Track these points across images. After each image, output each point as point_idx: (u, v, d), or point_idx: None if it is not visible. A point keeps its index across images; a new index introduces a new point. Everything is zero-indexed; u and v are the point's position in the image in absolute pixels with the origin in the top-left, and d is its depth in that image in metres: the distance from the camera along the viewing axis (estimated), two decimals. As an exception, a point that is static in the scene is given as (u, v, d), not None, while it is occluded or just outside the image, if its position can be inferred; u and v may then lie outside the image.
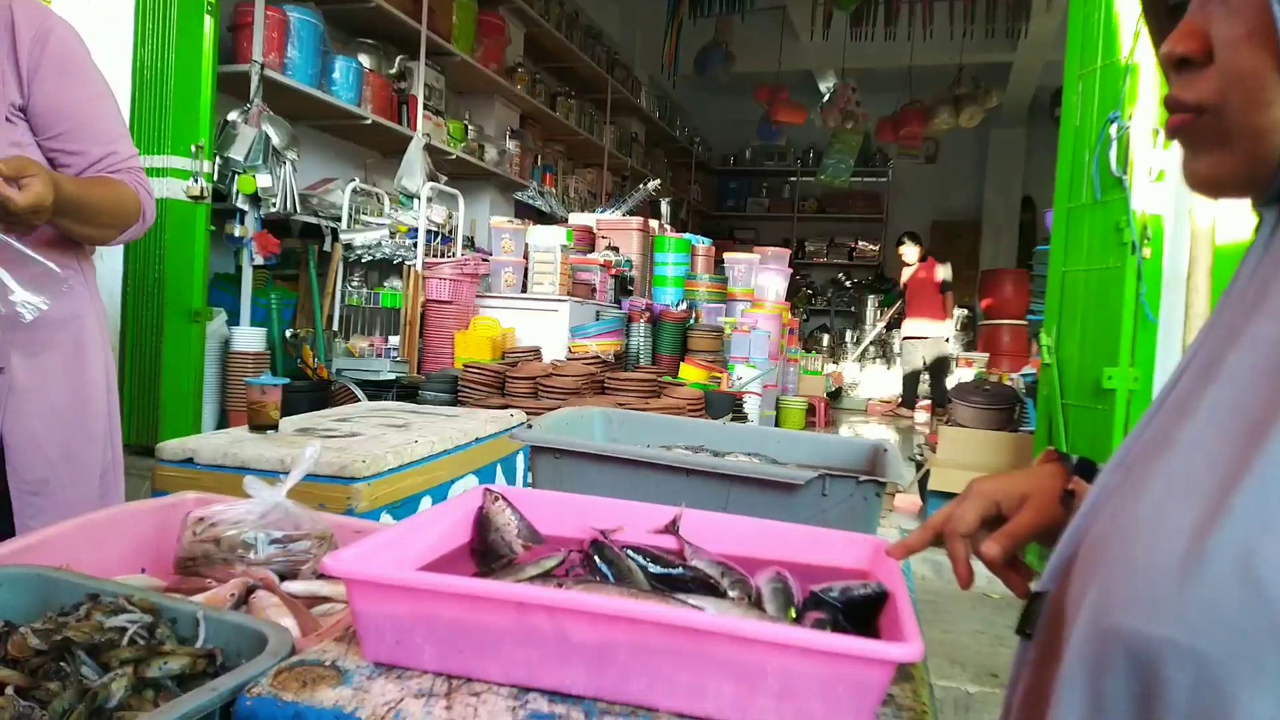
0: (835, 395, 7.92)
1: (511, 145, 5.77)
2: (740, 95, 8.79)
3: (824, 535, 0.80)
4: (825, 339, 9.16)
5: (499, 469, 1.82)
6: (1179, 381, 0.48)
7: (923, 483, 3.69)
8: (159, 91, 3.28)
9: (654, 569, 0.71)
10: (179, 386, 3.26)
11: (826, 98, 8.40)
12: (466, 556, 0.77)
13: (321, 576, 0.84)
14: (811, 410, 6.23)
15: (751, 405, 4.70)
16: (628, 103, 7.65)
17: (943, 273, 7.22)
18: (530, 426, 1.00)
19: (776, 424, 5.67)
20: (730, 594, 0.67)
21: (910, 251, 7.32)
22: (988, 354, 7.03)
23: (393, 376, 3.66)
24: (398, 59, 4.55)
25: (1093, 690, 0.43)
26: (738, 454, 1.05)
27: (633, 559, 0.72)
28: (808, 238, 10.75)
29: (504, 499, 0.81)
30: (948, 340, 7.37)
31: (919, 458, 4.16)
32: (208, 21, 3.24)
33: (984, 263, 9.38)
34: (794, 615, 0.66)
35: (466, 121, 5.16)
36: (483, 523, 0.79)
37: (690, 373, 4.34)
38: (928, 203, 10.05)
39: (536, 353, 3.96)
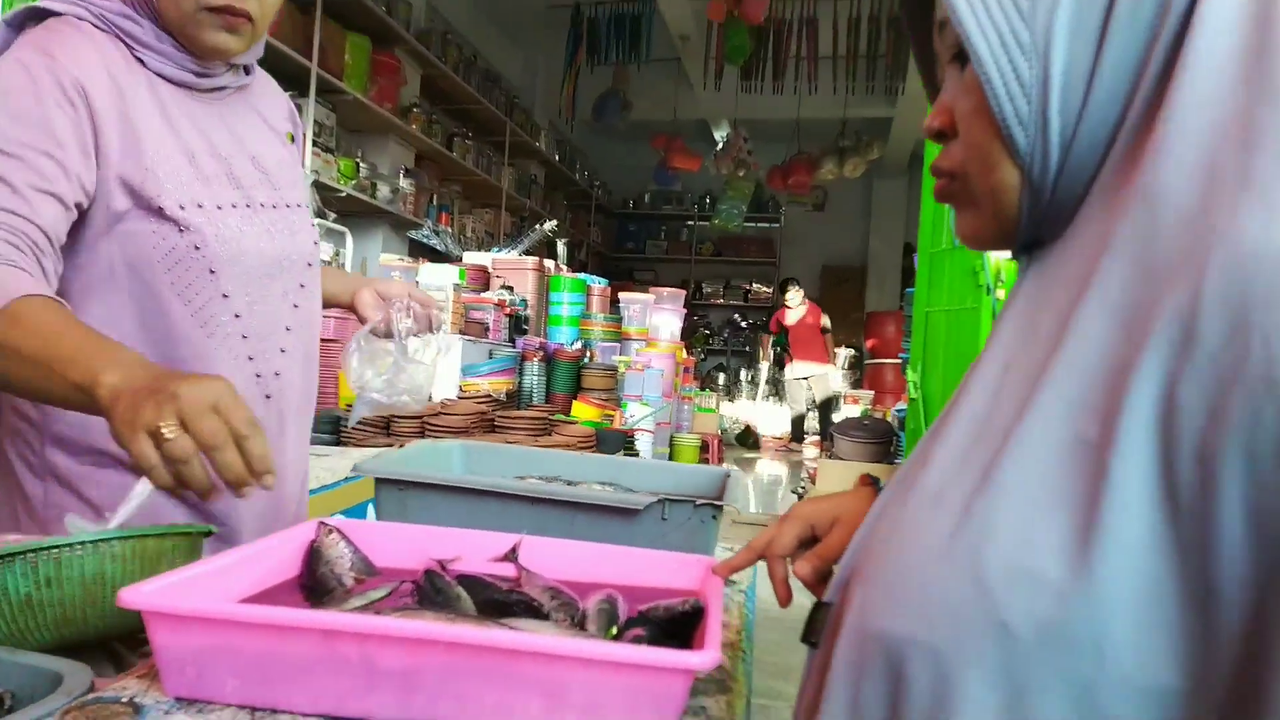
0: (744, 437, 8.10)
1: (405, 184, 5.72)
2: (638, 141, 9.00)
3: (659, 557, 0.82)
4: (721, 378, 9.35)
5: (371, 509, 1.77)
6: (951, 407, 0.52)
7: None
8: None
9: (482, 596, 0.71)
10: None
11: (720, 146, 8.70)
12: (293, 590, 0.75)
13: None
14: (705, 447, 6.32)
15: (644, 443, 4.73)
16: (527, 145, 7.72)
17: (824, 320, 7.65)
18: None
19: (670, 460, 5.72)
20: (554, 616, 0.68)
21: (795, 296, 7.66)
22: (873, 391, 7.33)
23: (271, 417, 3.51)
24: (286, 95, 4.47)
25: (853, 693, 0.45)
26: (592, 483, 1.07)
27: (462, 587, 0.72)
28: (705, 279, 11.01)
29: (339, 531, 0.80)
30: (831, 380, 7.71)
31: (801, 490, 4.28)
32: None
33: (869, 305, 9.82)
34: (614, 633, 0.67)
35: (359, 159, 5.09)
36: (314, 556, 0.77)
37: (583, 410, 4.35)
38: (817, 248, 10.48)
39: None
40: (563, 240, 6.55)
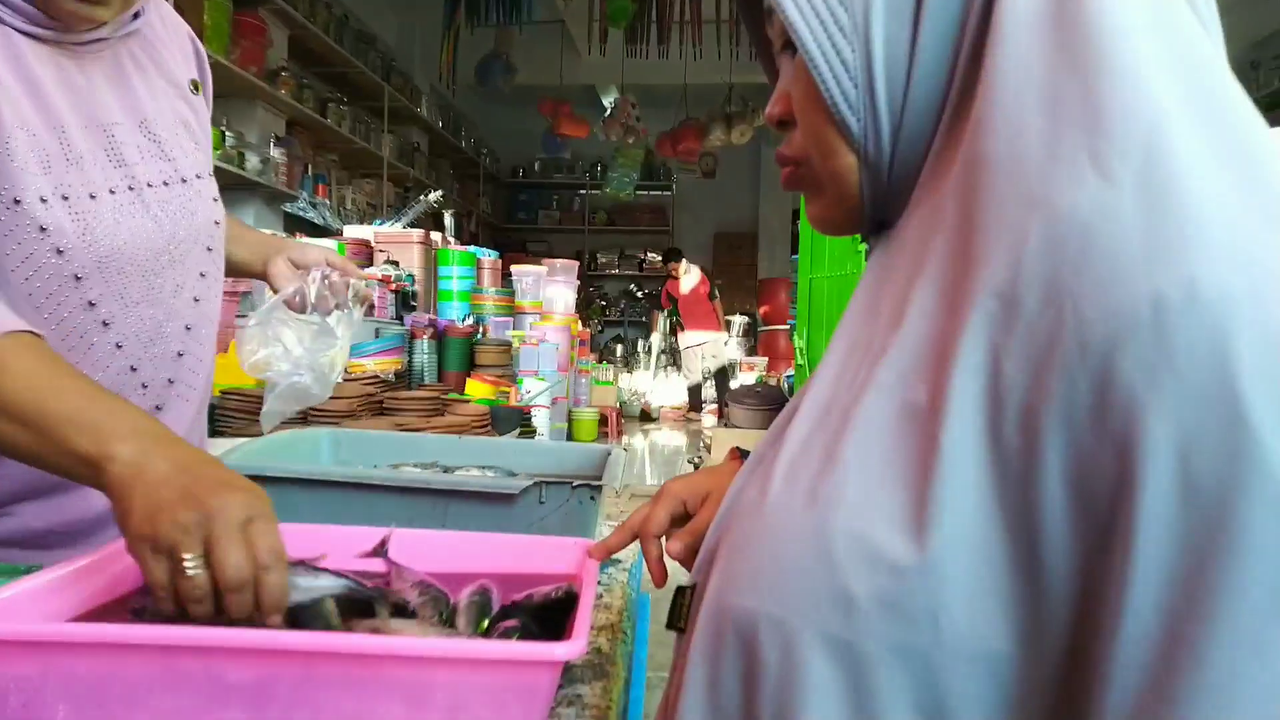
0: (645, 414, 8.16)
1: (277, 153, 5.42)
2: (525, 106, 8.82)
3: (535, 543, 0.81)
4: (619, 349, 9.38)
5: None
6: (805, 387, 0.53)
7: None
8: None
9: (343, 598, 0.68)
10: None
11: (608, 112, 8.62)
12: (131, 604, 0.70)
13: None
14: (604, 421, 6.34)
15: (541, 418, 4.70)
16: (407, 111, 7.43)
17: (695, 279, 7.79)
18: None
19: (569, 436, 5.71)
20: (421, 613, 0.66)
21: (686, 267, 7.76)
22: (767, 358, 7.51)
23: (137, 406, 3.29)
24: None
25: (711, 671, 0.46)
26: (470, 468, 1.04)
27: (324, 587, 0.69)
28: (599, 249, 10.95)
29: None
30: (725, 344, 7.85)
31: (697, 460, 4.35)
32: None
33: (761, 272, 10.02)
34: (485, 627, 0.66)
35: (224, 128, 4.79)
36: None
37: (477, 388, 4.27)
38: (709, 215, 10.58)
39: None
40: (450, 211, 6.37)
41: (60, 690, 0.54)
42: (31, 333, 0.71)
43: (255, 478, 0.87)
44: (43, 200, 0.79)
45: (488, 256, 5.25)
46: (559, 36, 7.77)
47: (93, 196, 0.83)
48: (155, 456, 0.62)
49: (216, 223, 0.97)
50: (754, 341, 8.79)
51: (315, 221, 5.74)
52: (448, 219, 6.08)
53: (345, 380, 3.74)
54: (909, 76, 0.46)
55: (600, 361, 7.60)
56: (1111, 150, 0.39)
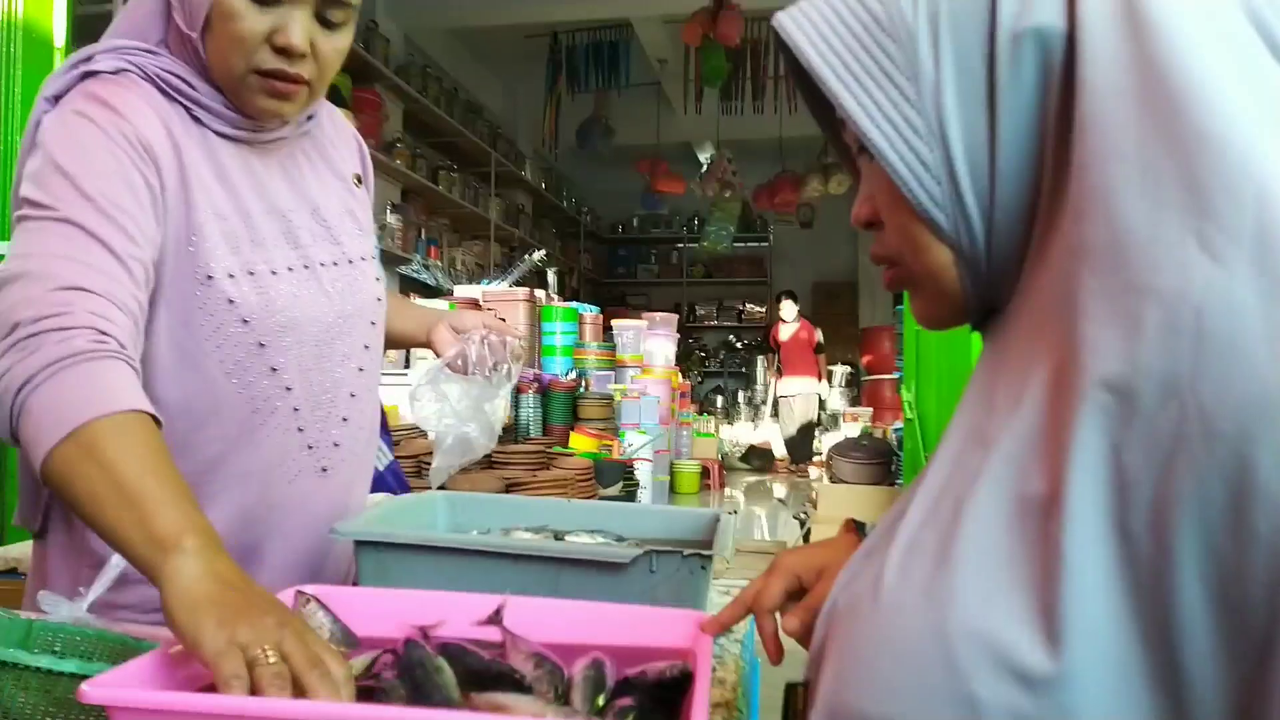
0: (747, 458, 7.99)
1: (393, 220, 5.73)
2: (623, 166, 9.05)
3: (647, 614, 0.80)
4: (719, 400, 9.33)
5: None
6: (920, 477, 0.51)
7: (806, 540, 3.77)
8: (3, 174, 3.11)
9: (464, 666, 0.68)
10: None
11: (704, 168, 8.74)
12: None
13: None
14: (706, 473, 6.29)
15: (644, 471, 4.71)
16: (513, 175, 7.76)
17: (818, 336, 7.61)
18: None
19: (670, 488, 5.69)
20: (537, 688, 0.66)
21: (789, 310, 7.64)
22: (871, 408, 7.31)
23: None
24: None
25: None
26: (580, 533, 1.05)
27: (444, 657, 0.70)
28: (697, 301, 11.02)
29: (315, 600, 0.78)
30: (820, 398, 7.66)
31: (803, 515, 4.25)
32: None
33: (863, 320, 9.83)
34: (600, 704, 0.65)
35: (344, 198, 5.10)
36: (289, 629, 0.74)
37: (580, 442, 4.33)
38: (808, 265, 10.50)
39: (421, 430, 3.87)
40: (553, 269, 6.56)
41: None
42: (146, 413, 0.73)
43: (377, 544, 0.90)
44: (230, 276, 0.89)
45: (589, 312, 5.36)
46: (655, 97, 7.98)
47: (274, 273, 0.92)
48: (200, 567, 0.64)
49: (378, 299, 1.05)
50: (857, 392, 8.58)
51: (428, 283, 6.01)
52: (551, 276, 6.26)
53: (454, 436, 3.86)
54: (993, 168, 0.45)
55: (700, 413, 7.58)
56: (1219, 232, 0.37)
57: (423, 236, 6.27)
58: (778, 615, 0.70)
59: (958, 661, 0.39)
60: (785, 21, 0.51)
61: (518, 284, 5.58)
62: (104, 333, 0.75)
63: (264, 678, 0.58)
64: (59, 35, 3.28)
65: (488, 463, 3.54)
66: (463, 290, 5.26)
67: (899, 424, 4.12)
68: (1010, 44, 0.44)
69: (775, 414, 8.54)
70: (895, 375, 7.37)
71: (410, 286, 5.89)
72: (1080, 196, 0.41)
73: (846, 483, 3.82)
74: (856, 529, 0.70)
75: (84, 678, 0.61)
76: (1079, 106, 0.42)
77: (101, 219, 0.81)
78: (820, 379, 7.67)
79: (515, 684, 0.67)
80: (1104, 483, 0.37)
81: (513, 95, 8.35)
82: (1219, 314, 0.36)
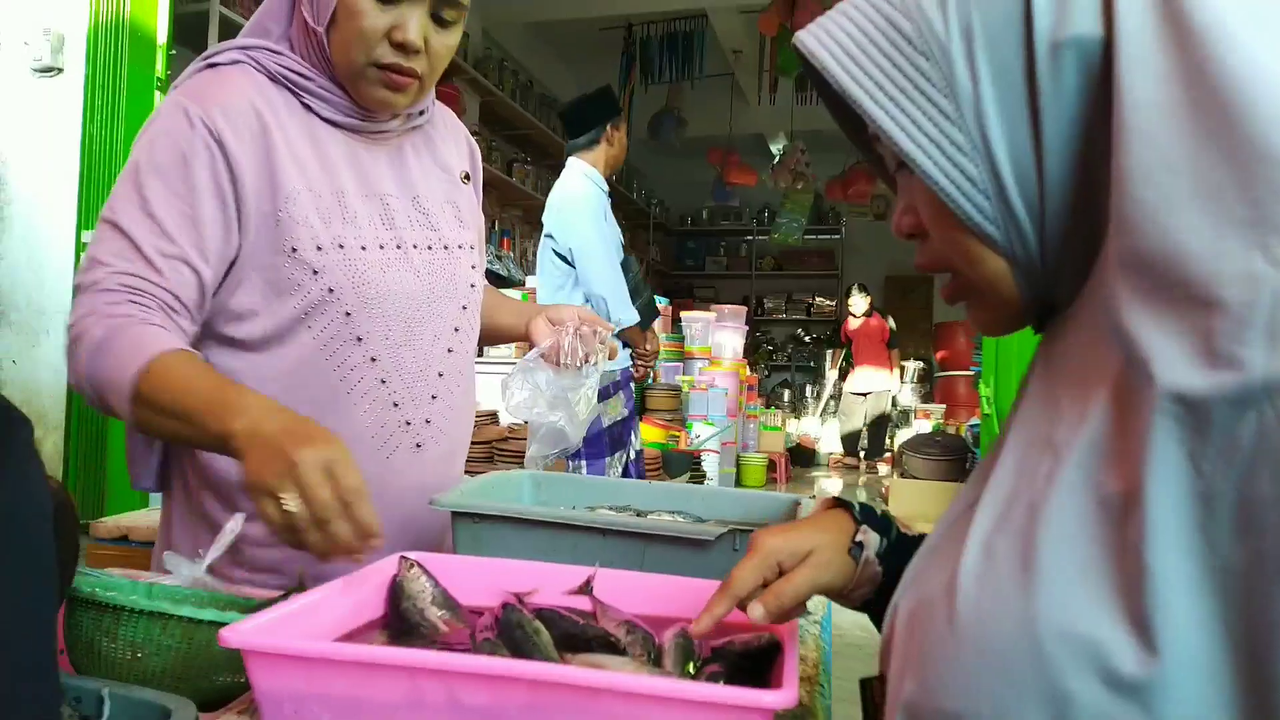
0: (797, 454, 7.88)
1: (468, 211, 5.85)
2: (694, 158, 9.03)
3: (732, 590, 0.82)
4: (786, 394, 9.26)
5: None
6: (991, 461, 0.51)
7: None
8: (108, 167, 3.30)
9: (560, 630, 0.72)
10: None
11: (777, 159, 8.66)
12: (379, 630, 0.77)
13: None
14: (772, 466, 6.26)
15: (710, 463, 4.73)
16: (584, 168, 7.82)
17: (890, 324, 7.42)
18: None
19: (737, 481, 5.68)
20: (630, 651, 0.69)
21: (859, 302, 7.51)
22: (944, 405, 7.16)
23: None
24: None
25: None
26: (661, 513, 1.08)
27: (541, 622, 0.74)
28: (766, 294, 10.94)
29: (419, 566, 0.83)
30: (892, 394, 7.48)
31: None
32: (158, 97, 3.29)
33: (937, 316, 9.61)
34: (692, 670, 0.67)
35: (422, 189, 5.23)
36: (395, 591, 0.79)
37: (649, 432, 4.37)
38: (880, 258, 10.31)
39: (493, 417, 3.96)
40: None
41: (323, 702, 0.60)
42: (184, 349, 0.87)
43: (473, 515, 0.95)
44: (319, 248, 0.96)
45: (657, 303, 5.40)
46: (729, 88, 7.94)
47: (363, 248, 0.99)
48: (261, 428, 0.76)
49: (472, 285, 1.11)
50: (929, 388, 8.41)
51: (500, 273, 6.13)
52: (619, 268, 6.32)
53: (526, 423, 3.94)
54: (1041, 179, 0.45)
55: (768, 406, 7.54)
56: None
57: (496, 228, 6.40)
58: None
59: (1049, 660, 0.40)
60: (808, 40, 0.51)
61: (588, 274, 5.65)
62: (128, 315, 0.88)
63: (288, 523, 0.72)
64: (162, 33, 3.46)
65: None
66: (533, 281, 5.34)
67: (975, 420, 4.04)
68: (1049, 55, 0.43)
69: (835, 410, 8.38)
70: (971, 371, 7.21)
71: (485, 276, 6.01)
72: (1128, 208, 0.41)
73: (918, 479, 3.77)
74: (842, 505, 0.69)
75: (221, 625, 0.67)
76: (1119, 116, 0.41)
77: (148, 226, 0.91)
78: (893, 372, 7.51)
79: (610, 647, 0.70)
80: (1184, 492, 0.38)
81: (586, 87, 8.42)
82: None
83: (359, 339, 0.98)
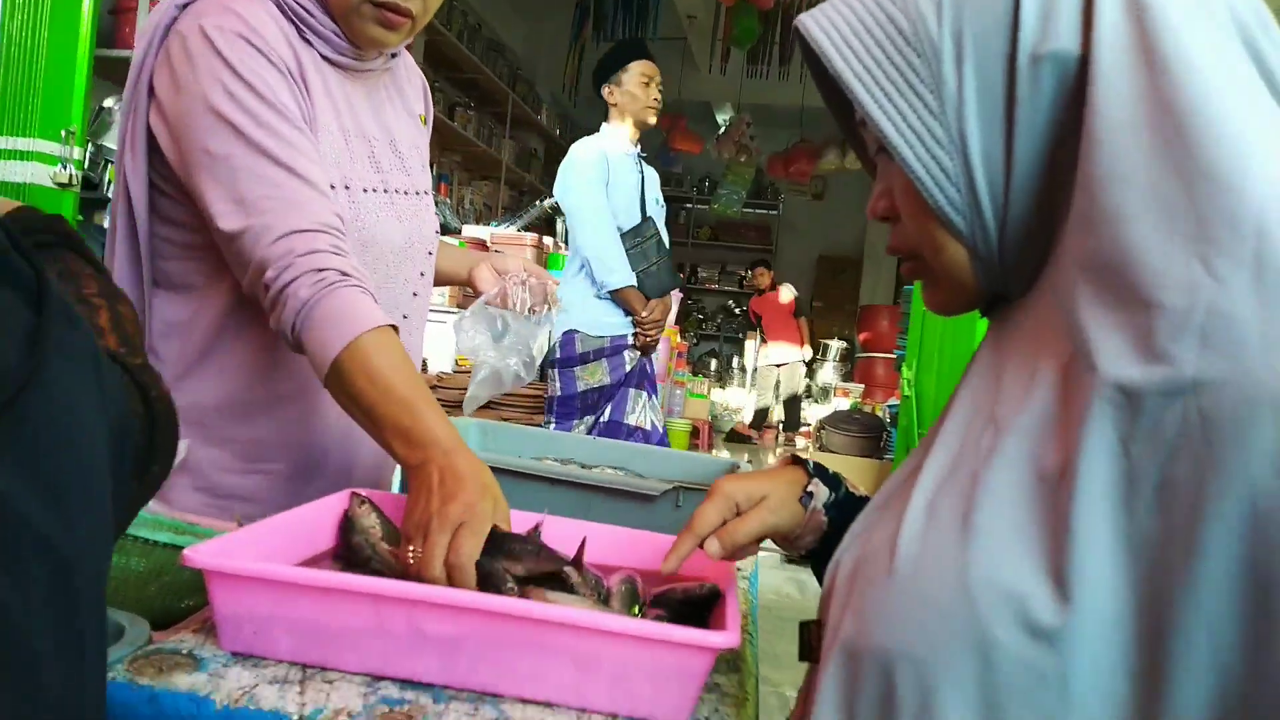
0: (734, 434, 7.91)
1: (407, 153, 5.69)
2: (641, 120, 8.95)
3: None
4: (714, 363, 9.40)
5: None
6: (935, 432, 0.57)
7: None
8: (28, 71, 3.09)
9: (508, 555, 0.75)
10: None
11: (722, 129, 8.68)
12: (329, 561, 0.79)
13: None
14: (696, 433, 6.38)
15: (636, 424, 4.79)
16: (528, 118, 7.68)
17: (787, 294, 7.51)
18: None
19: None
20: (580, 591, 0.73)
21: (764, 276, 7.62)
22: (863, 385, 7.39)
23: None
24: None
25: (845, 706, 0.50)
26: (605, 467, 1.11)
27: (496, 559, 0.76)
28: (701, 264, 11.01)
29: (370, 502, 0.84)
30: (803, 362, 7.60)
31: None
32: (86, 2, 3.09)
33: (864, 298, 9.86)
34: (637, 612, 0.72)
35: (362, 125, 5.06)
36: (346, 526, 0.81)
37: (577, 390, 4.39)
38: (815, 237, 10.49)
39: (422, 365, 3.92)
40: (562, 217, 6.56)
41: (285, 624, 0.62)
42: (390, 326, 0.84)
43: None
44: (332, 187, 0.94)
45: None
46: (680, 53, 7.88)
47: (364, 190, 0.98)
48: (430, 464, 0.76)
49: (435, 232, 1.12)
50: (850, 367, 8.66)
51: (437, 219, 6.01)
52: (560, 224, 6.26)
53: (456, 372, 3.91)
54: (1008, 178, 0.50)
55: (695, 374, 7.64)
56: (1222, 258, 0.42)
57: (435, 172, 6.25)
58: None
59: (978, 607, 0.45)
60: (809, 24, 0.54)
61: (526, 229, 5.58)
62: (321, 269, 0.84)
63: (405, 564, 0.73)
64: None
65: (488, 403, 3.59)
66: (471, 230, 5.25)
67: (894, 401, 4.21)
68: (1030, 66, 0.48)
69: (752, 382, 8.51)
70: (893, 354, 7.45)
71: (419, 221, 5.88)
72: (1088, 212, 0.46)
73: (836, 453, 3.91)
74: (799, 462, 0.74)
75: (178, 548, 0.67)
76: (1088, 128, 0.46)
77: (292, 152, 0.87)
78: (803, 345, 7.64)
79: (564, 585, 0.74)
80: (1113, 469, 0.43)
81: (536, 37, 8.24)
82: (1220, 327, 0.41)
83: None
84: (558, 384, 2.86)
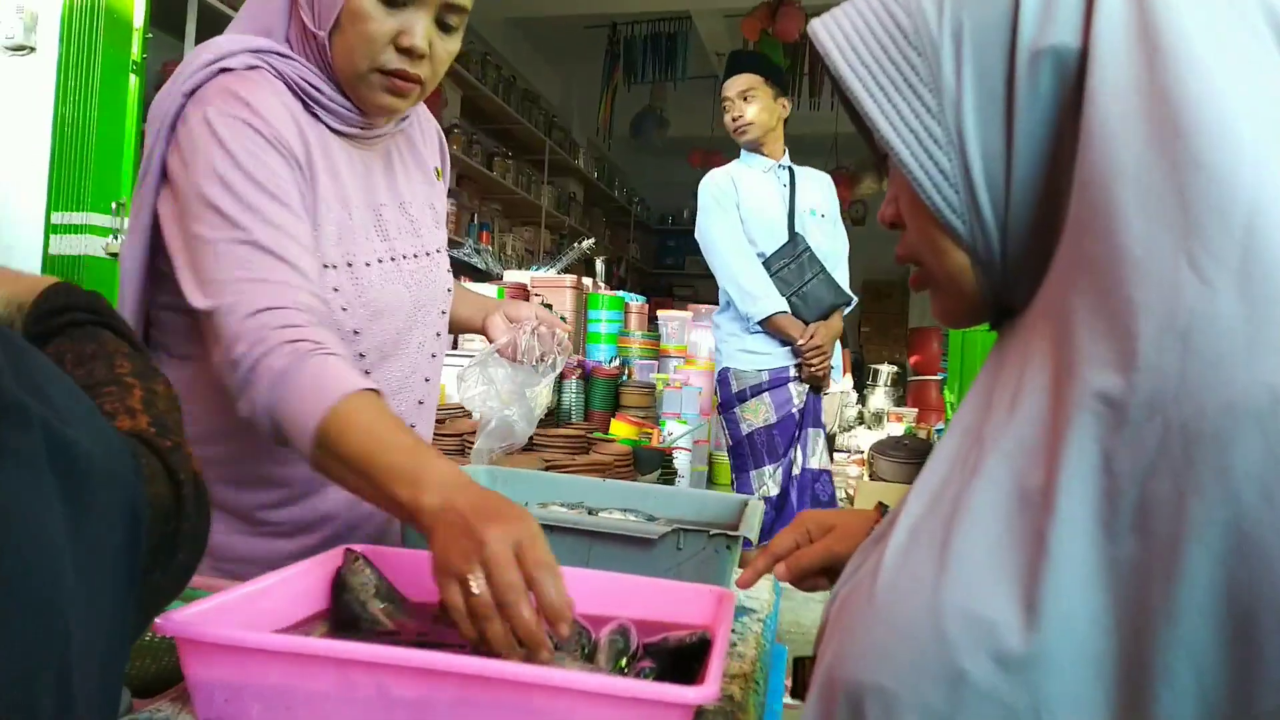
0: None
1: (448, 204, 5.83)
2: (676, 157, 9.03)
3: (672, 588, 0.84)
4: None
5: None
6: (923, 469, 0.54)
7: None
8: (80, 149, 3.26)
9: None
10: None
11: (758, 162, 8.68)
12: (320, 622, 0.78)
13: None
14: (744, 466, 6.30)
15: (682, 460, 4.73)
16: (566, 163, 7.81)
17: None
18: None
19: (709, 478, 5.71)
20: (565, 647, 0.70)
21: None
22: (916, 409, 7.22)
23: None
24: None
25: None
26: (613, 510, 1.09)
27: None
28: (744, 295, 10.96)
29: (364, 558, 0.83)
30: (844, 394, 7.49)
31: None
32: (133, 80, 3.25)
33: (912, 320, 9.70)
34: (623, 665, 0.69)
35: (400, 181, 5.20)
36: (338, 584, 0.80)
37: (621, 429, 4.37)
38: (857, 263, 10.25)
39: (464, 410, 3.95)
40: (601, 257, 6.62)
41: (255, 693, 0.61)
42: (372, 390, 0.81)
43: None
44: (334, 266, 0.95)
45: (635, 301, 5.40)
46: (711, 89, 7.95)
47: (366, 264, 0.98)
48: (452, 502, 0.71)
49: (448, 290, 1.12)
50: (902, 391, 8.48)
51: (479, 267, 6.11)
52: (599, 265, 6.31)
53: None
54: (1008, 179, 0.47)
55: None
56: (1208, 255, 0.38)
57: (475, 221, 6.37)
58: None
59: (947, 639, 0.42)
60: (819, 29, 0.53)
61: (566, 271, 5.64)
62: (295, 340, 0.82)
63: (472, 609, 0.65)
64: (138, 16, 3.41)
65: (529, 444, 3.61)
66: (512, 275, 5.33)
67: (940, 425, 4.09)
68: (1029, 62, 0.46)
69: None
70: (941, 376, 7.29)
71: (461, 270, 5.99)
72: (1083, 211, 0.43)
73: (886, 480, 3.81)
74: (882, 512, 0.74)
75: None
76: (1085, 123, 0.43)
77: (277, 235, 0.87)
78: (845, 373, 7.53)
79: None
80: (1093, 486, 0.39)
81: (569, 85, 8.41)
82: (1203, 331, 0.38)
83: (360, 355, 0.99)
84: (725, 431, 2.70)
